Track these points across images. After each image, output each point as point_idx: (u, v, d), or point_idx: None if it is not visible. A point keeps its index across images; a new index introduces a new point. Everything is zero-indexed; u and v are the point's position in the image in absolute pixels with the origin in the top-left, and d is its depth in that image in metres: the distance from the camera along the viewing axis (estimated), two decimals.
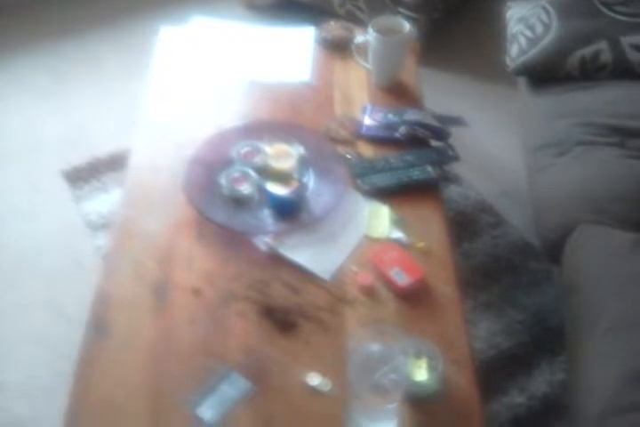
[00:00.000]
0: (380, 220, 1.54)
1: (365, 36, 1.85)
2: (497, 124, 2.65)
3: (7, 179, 2.50)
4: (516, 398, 1.88)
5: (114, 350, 1.33)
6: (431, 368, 1.24)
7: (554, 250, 1.73)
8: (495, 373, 1.91)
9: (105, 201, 2.37)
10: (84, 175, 2.46)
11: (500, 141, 2.61)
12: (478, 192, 2.43)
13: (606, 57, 1.97)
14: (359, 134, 1.74)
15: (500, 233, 2.30)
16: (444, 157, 1.69)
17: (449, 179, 2.41)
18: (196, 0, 3.01)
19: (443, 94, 2.48)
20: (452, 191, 2.41)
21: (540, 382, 1.92)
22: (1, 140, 2.64)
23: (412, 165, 1.64)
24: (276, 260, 1.47)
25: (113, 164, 2.46)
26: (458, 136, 1.75)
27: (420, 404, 1.24)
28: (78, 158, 2.52)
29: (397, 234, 1.51)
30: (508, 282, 2.16)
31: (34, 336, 2.05)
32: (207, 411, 1.22)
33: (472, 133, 1.98)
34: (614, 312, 1.48)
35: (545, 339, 2.00)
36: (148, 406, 1.25)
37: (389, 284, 1.42)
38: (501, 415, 1.84)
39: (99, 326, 1.36)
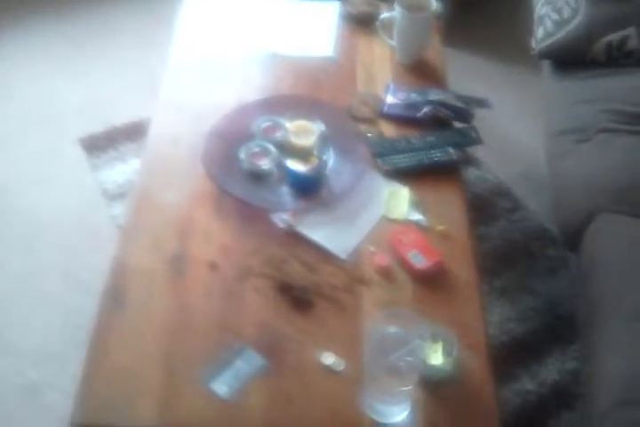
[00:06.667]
0: (399, 201, 1.53)
1: (391, 13, 1.82)
2: (518, 108, 2.63)
3: (25, 146, 2.49)
4: (526, 385, 1.87)
5: (129, 319, 1.33)
6: (446, 353, 1.24)
7: (572, 237, 1.72)
8: (507, 359, 1.90)
9: (122, 171, 2.37)
10: (102, 144, 2.45)
11: (521, 125, 2.58)
12: (496, 175, 2.41)
13: (634, 43, 1.95)
14: (381, 113, 1.72)
15: (518, 218, 2.28)
16: (467, 140, 1.67)
17: (468, 161, 2.38)
18: None
19: (464, 75, 2.44)
20: (469, 174, 2.38)
21: (551, 370, 1.91)
22: (19, 108, 2.62)
23: (434, 146, 1.62)
24: (294, 237, 1.46)
25: (131, 133, 2.45)
26: (478, 118, 1.73)
27: (434, 388, 1.23)
28: (96, 127, 2.51)
29: (416, 216, 1.50)
30: (524, 268, 2.15)
31: (48, 303, 2.05)
32: (221, 386, 1.22)
33: (492, 116, 1.95)
34: (632, 303, 1.47)
35: (557, 327, 2.00)
36: (161, 376, 1.25)
37: (407, 266, 1.40)
38: (511, 402, 1.83)
39: (115, 295, 1.36)
